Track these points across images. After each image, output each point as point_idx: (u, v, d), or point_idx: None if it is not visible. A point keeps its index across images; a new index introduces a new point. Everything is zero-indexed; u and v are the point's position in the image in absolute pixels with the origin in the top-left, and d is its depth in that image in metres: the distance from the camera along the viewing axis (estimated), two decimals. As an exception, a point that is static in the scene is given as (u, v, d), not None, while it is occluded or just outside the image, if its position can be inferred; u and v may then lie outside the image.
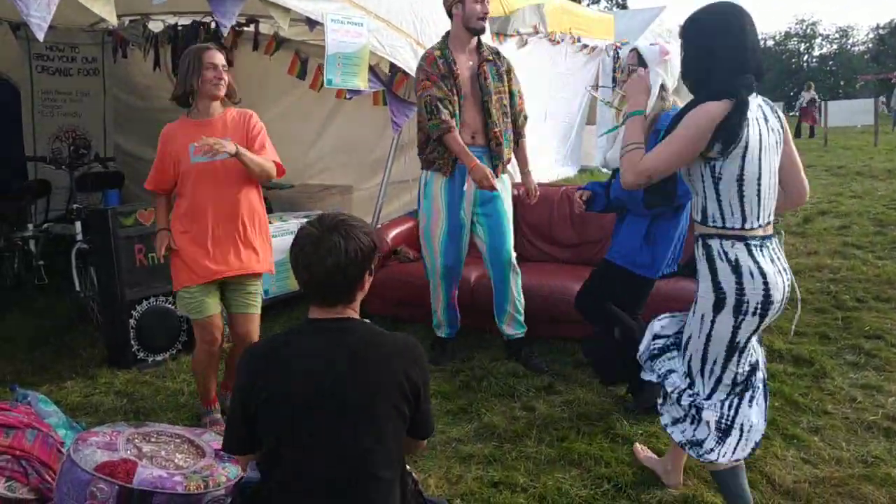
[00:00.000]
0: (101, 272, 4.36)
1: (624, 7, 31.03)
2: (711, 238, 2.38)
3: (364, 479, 1.96)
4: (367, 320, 3.88)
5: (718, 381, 2.49)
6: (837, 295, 5.25)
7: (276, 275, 5.07)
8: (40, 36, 3.25)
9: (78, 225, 5.03)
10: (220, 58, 3.29)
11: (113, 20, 3.61)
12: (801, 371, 3.96)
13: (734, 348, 2.42)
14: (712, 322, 2.40)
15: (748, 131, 2.27)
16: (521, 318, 4.23)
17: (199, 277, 3.33)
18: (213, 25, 5.91)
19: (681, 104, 2.75)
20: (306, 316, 2.07)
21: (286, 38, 5.99)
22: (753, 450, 2.54)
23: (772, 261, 2.35)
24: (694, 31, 2.39)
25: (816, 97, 22.46)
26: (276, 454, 2.01)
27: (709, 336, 2.43)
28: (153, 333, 4.35)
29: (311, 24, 4.58)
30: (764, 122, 2.33)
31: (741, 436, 2.50)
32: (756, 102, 2.34)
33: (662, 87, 3.20)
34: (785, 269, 2.40)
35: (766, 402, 2.55)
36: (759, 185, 2.31)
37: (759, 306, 2.32)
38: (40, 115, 6.68)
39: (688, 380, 2.57)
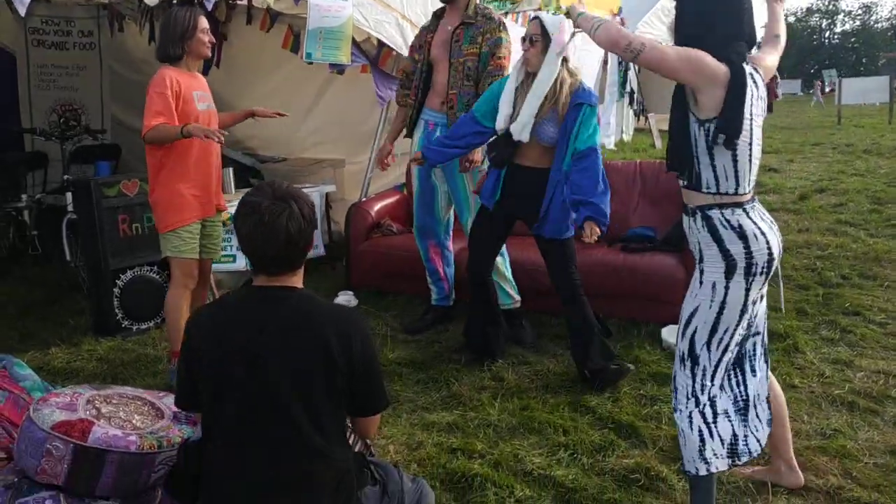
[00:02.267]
0: (85, 242, 4.44)
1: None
2: (710, 209, 2.36)
3: (295, 445, 2.02)
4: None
5: (725, 349, 2.41)
6: (822, 272, 5.25)
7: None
8: (21, 10, 3.36)
9: (69, 196, 5.11)
10: (206, 21, 3.67)
11: None
12: (774, 346, 3.97)
13: (744, 311, 2.39)
14: (726, 288, 2.36)
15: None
16: (508, 290, 4.25)
17: (202, 213, 3.67)
18: (206, -1, 5.94)
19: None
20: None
21: (279, 11, 6.01)
22: (770, 412, 2.51)
23: (761, 219, 2.37)
24: None
25: (777, 75, 24.10)
26: (213, 416, 2.08)
27: (723, 303, 2.37)
28: (137, 302, 4.43)
29: (296, -3, 4.60)
30: (755, 88, 2.32)
31: (756, 406, 2.48)
32: (748, 70, 2.32)
33: (565, 59, 3.42)
34: (772, 223, 2.42)
35: (767, 366, 2.54)
36: (750, 150, 2.31)
37: (766, 265, 2.34)
38: (36, 88, 6.74)
39: (689, 376, 2.45)
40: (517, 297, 4.29)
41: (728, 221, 2.34)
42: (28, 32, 6.67)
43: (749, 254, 2.32)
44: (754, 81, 2.33)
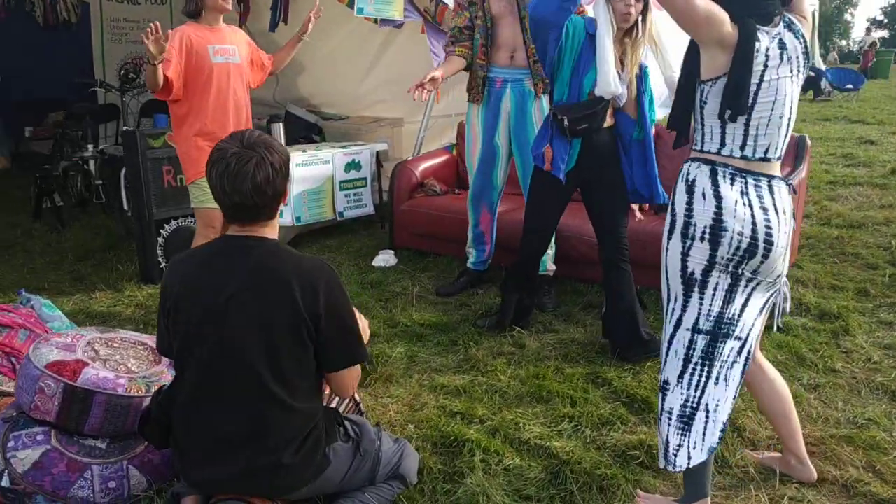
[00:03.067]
0: (132, 191, 4.57)
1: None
2: (686, 161, 2.24)
3: (254, 394, 2.01)
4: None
5: (677, 324, 2.22)
6: (896, 251, 4.87)
7: (308, 202, 5.19)
8: None
9: (127, 147, 5.27)
10: None
11: None
12: (821, 326, 3.72)
13: (690, 282, 2.17)
14: (666, 250, 2.22)
15: None
16: (547, 259, 4.14)
17: None
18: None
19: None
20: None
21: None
22: (722, 432, 2.22)
23: (742, 193, 2.13)
24: None
25: (878, 41, 23.68)
26: (182, 362, 2.09)
27: (666, 266, 2.23)
28: (180, 252, 4.53)
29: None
30: (778, 49, 2.11)
31: (707, 418, 2.20)
32: (775, 31, 2.11)
33: None
34: (765, 209, 2.13)
35: (741, 378, 2.25)
36: (748, 118, 2.12)
37: (708, 231, 2.11)
38: (109, 41, 6.97)
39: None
40: (553, 266, 4.18)
41: (687, 174, 2.18)
42: (101, -14, 6.88)
43: (689, 210, 2.14)
44: (780, 42, 2.11)
